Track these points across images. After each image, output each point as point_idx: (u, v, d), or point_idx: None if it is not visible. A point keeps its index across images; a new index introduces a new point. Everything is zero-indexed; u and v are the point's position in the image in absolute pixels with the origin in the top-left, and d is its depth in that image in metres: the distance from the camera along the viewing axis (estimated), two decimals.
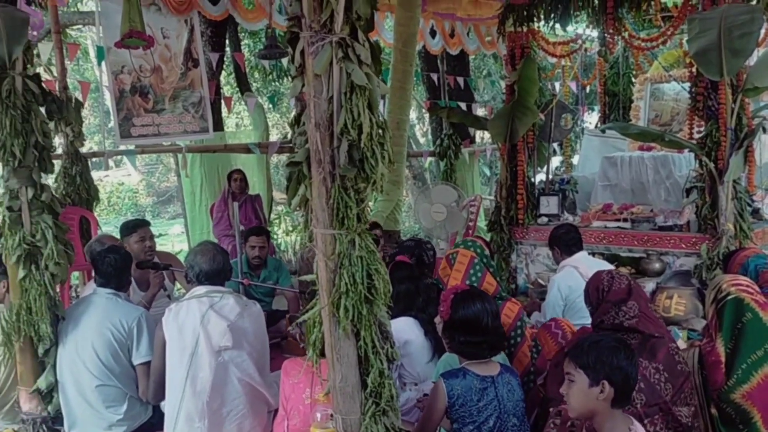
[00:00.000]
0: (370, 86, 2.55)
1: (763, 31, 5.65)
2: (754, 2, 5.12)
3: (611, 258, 5.57)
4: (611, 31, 5.78)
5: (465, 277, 3.80)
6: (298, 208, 2.72)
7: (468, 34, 9.33)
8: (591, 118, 12.26)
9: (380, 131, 2.61)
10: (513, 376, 2.99)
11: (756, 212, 5.73)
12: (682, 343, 4.23)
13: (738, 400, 2.93)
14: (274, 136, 11.74)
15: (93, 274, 4.12)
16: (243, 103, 11.61)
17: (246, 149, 7.78)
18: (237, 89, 11.12)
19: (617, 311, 2.98)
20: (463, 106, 8.88)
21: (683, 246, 5.36)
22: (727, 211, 5.03)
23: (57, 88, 5.61)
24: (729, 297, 3.06)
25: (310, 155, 2.62)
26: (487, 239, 5.79)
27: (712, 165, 5.04)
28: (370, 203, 2.74)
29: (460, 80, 9.16)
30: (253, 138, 8.33)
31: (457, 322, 2.98)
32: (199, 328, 3.35)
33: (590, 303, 3.16)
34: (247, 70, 11.76)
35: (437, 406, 2.86)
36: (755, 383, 2.93)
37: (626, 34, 6.07)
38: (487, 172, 14.41)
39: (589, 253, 4.91)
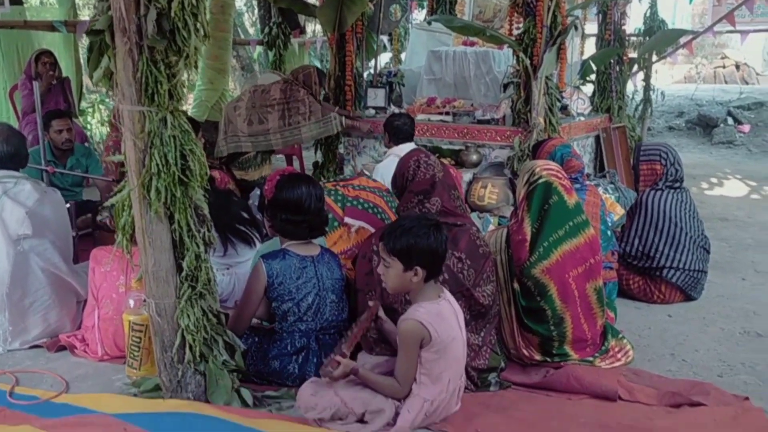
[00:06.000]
0: None
1: None
2: None
3: (433, 150, 5.73)
4: None
5: None
6: (100, 83, 2.49)
7: None
8: (420, 15, 12.28)
9: (194, 0, 2.42)
10: (333, 257, 3.05)
11: (564, 108, 6.11)
12: (492, 228, 4.51)
13: (538, 275, 3.18)
14: (86, 16, 10.70)
15: None
16: None
17: (50, 27, 6.99)
18: None
19: (421, 207, 3.07)
20: None
21: (499, 138, 5.62)
22: (539, 105, 5.30)
23: None
24: (540, 180, 3.28)
25: (113, 23, 2.38)
26: None
27: (528, 61, 5.24)
28: (192, 92, 2.57)
29: None
30: (59, 15, 7.51)
31: (280, 201, 2.96)
32: None
33: (396, 187, 3.25)
34: None
35: (256, 286, 2.88)
36: (554, 259, 3.19)
37: None
38: (318, 64, 14.17)
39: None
